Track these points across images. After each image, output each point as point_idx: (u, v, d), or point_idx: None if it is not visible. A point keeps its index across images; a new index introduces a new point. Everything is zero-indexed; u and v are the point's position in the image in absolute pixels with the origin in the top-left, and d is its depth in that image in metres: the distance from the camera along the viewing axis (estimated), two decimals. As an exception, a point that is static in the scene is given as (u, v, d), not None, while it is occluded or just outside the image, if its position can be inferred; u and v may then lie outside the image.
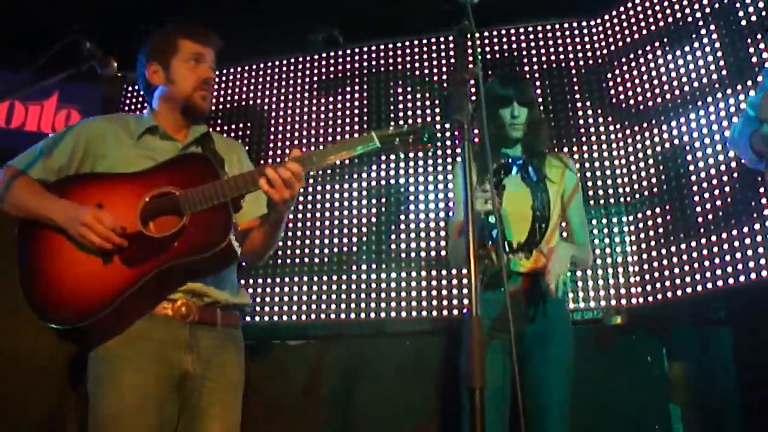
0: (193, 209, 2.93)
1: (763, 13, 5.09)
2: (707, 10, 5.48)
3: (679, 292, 5.16)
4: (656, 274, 5.32)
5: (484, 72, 6.02)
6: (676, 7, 5.69)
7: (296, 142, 6.53)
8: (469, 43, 2.63)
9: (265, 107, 6.74)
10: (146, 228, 2.96)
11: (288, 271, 6.12)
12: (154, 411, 2.89)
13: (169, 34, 3.36)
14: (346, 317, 5.86)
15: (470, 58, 2.53)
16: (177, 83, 3.30)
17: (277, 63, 6.95)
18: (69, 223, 2.95)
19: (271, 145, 6.61)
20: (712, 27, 5.42)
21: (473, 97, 2.48)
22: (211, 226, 2.92)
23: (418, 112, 6.34)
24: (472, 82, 2.45)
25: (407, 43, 6.64)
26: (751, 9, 5.19)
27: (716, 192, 5.13)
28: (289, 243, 6.18)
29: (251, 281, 6.13)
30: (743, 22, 5.23)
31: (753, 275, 4.79)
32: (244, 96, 6.91)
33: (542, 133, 4.03)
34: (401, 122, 6.06)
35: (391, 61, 6.63)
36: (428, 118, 6.27)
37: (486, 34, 6.40)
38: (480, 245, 3.57)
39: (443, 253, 5.77)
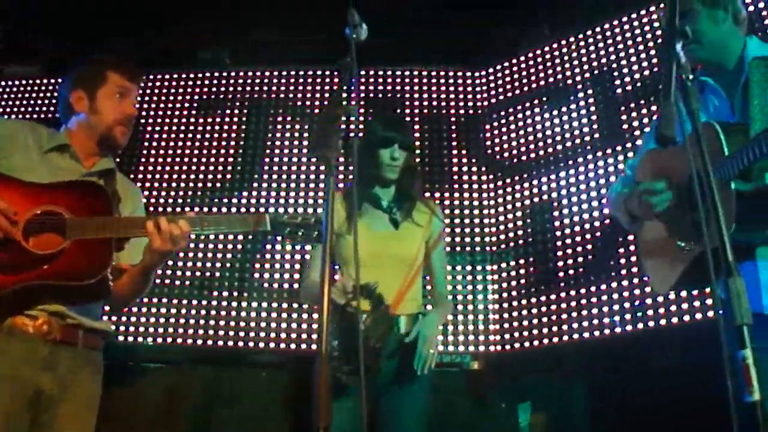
0: (78, 236, 2.86)
1: (638, 84, 5.34)
2: (587, 75, 5.74)
3: (536, 343, 5.30)
4: (515, 324, 5.45)
5: (365, 110, 6.10)
6: (558, 69, 5.93)
7: (169, 159, 6.38)
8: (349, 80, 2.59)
9: (141, 119, 6.55)
10: (26, 240, 2.84)
11: (148, 293, 5.91)
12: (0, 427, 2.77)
13: (99, 64, 3.32)
14: (204, 344, 5.71)
15: (346, 95, 2.49)
16: (100, 114, 3.24)
17: (159, 76, 6.80)
18: None
19: (143, 159, 6.42)
20: (590, 92, 5.69)
21: (349, 134, 2.45)
22: (90, 258, 2.86)
23: (296, 143, 6.31)
24: (345, 119, 2.40)
25: (293, 73, 6.63)
26: (627, 79, 5.45)
27: (578, 249, 5.33)
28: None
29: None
30: (618, 90, 5.49)
31: (607, 331, 5.02)
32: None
33: (416, 179, 4.06)
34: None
35: (275, 88, 6.59)
36: (304, 150, 6.24)
37: (373, 73, 6.48)
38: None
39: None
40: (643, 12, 5.55)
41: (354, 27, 2.64)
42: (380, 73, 6.48)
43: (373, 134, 3.89)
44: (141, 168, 6.39)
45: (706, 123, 2.60)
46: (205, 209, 6.13)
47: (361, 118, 6.22)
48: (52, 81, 6.87)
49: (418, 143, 6.05)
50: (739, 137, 2.50)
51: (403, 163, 3.89)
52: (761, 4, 5.01)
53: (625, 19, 5.69)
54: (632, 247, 5.01)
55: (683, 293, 4.61)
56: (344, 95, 2.44)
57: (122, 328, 5.82)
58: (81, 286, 2.84)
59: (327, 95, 6.49)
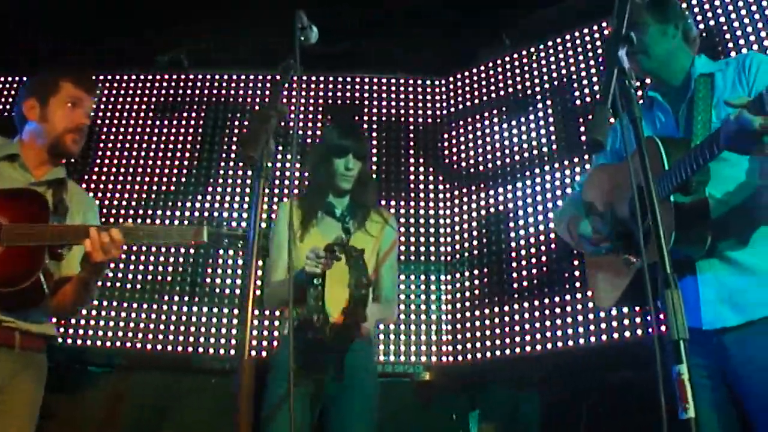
0: (11, 243, 2.92)
1: (597, 96, 5.32)
2: (546, 86, 5.73)
3: (488, 354, 5.26)
4: (468, 335, 5.41)
5: (322, 116, 6.05)
6: (518, 79, 5.92)
7: (124, 161, 6.27)
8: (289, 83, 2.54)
9: (98, 120, 6.43)
10: None
11: (97, 295, 5.80)
12: None
13: (54, 73, 3.35)
14: (152, 348, 5.60)
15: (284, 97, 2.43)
16: (50, 122, 3.27)
17: (117, 78, 6.68)
18: None
19: (98, 161, 6.30)
20: (549, 102, 5.67)
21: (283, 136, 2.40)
22: (21, 264, 2.93)
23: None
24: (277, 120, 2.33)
25: (251, 77, 6.55)
26: (586, 90, 5.45)
27: (533, 260, 5.31)
28: (102, 264, 5.86)
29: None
30: (577, 102, 5.48)
31: (560, 344, 5.00)
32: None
33: (370, 189, 4.02)
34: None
35: (232, 92, 6.51)
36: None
37: (332, 79, 6.41)
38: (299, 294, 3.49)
39: (258, 292, 5.63)
40: (604, 24, 5.54)
41: (302, 29, 2.59)
42: (339, 79, 6.42)
43: (327, 143, 3.86)
44: (96, 169, 6.28)
45: (647, 137, 2.59)
46: (159, 212, 6.03)
47: (319, 125, 6.20)
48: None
49: (375, 150, 6.03)
50: (680, 151, 2.51)
51: (358, 173, 3.85)
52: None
53: (585, 30, 5.69)
54: (586, 261, 5.00)
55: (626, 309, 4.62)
56: (280, 96, 2.38)
57: (71, 331, 5.70)
58: (13, 292, 2.90)
59: (285, 101, 6.41)
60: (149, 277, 5.85)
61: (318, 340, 3.43)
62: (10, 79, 6.70)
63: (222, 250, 5.80)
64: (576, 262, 5.05)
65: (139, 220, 5.98)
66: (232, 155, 6.24)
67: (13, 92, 6.63)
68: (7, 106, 6.54)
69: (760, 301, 2.54)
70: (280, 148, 5.99)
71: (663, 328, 1.87)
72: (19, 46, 6.29)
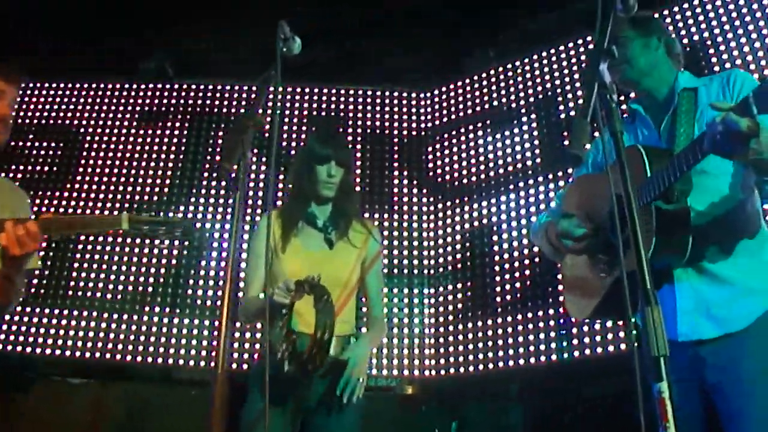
0: None
1: (575, 111, 5.33)
2: (531, 99, 5.73)
3: (471, 368, 5.24)
4: (451, 348, 5.39)
5: (308, 128, 6.03)
6: (502, 93, 5.93)
7: (107, 169, 6.23)
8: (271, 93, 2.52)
9: (81, 129, 6.41)
10: None
11: (77, 304, 5.74)
12: None
13: None
14: (132, 359, 5.56)
15: (261, 108, 2.41)
16: None
17: (102, 86, 6.66)
18: None
19: (81, 169, 6.27)
20: (533, 116, 5.67)
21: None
22: None
23: (236, 157, 6.19)
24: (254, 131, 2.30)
25: (236, 88, 6.53)
26: (570, 104, 5.45)
27: (516, 274, 5.31)
28: (83, 274, 5.83)
29: (28, 309, 5.72)
30: (561, 116, 5.48)
31: (543, 358, 4.99)
32: (62, 114, 6.54)
33: (353, 198, 3.99)
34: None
35: (217, 102, 6.48)
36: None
37: (317, 90, 6.41)
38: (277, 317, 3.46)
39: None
40: (589, 38, 5.55)
41: (285, 41, 2.57)
42: (325, 90, 6.41)
43: (310, 150, 3.81)
44: (78, 178, 6.24)
45: (631, 146, 2.63)
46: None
47: (303, 136, 6.18)
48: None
49: (359, 163, 6.03)
50: (663, 160, 2.50)
51: (340, 181, 3.82)
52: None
53: (571, 45, 5.70)
54: (569, 275, 5.01)
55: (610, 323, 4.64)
56: (259, 107, 2.35)
57: (50, 341, 5.64)
58: None
59: (270, 111, 6.39)
60: (130, 288, 5.81)
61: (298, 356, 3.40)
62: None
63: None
64: (560, 276, 5.03)
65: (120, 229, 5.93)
66: (216, 166, 6.21)
67: (69, 95, 6.67)
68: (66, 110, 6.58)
69: (738, 314, 2.55)
70: (264, 159, 5.97)
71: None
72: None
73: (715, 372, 2.54)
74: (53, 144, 6.42)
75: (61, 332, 5.66)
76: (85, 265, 5.87)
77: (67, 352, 5.62)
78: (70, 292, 5.79)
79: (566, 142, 5.36)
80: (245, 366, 5.48)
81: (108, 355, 5.58)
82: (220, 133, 6.33)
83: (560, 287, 5.02)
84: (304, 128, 6.26)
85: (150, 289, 5.81)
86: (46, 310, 5.73)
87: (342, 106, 6.38)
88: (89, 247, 5.90)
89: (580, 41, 5.67)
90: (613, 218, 1.81)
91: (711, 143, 2.23)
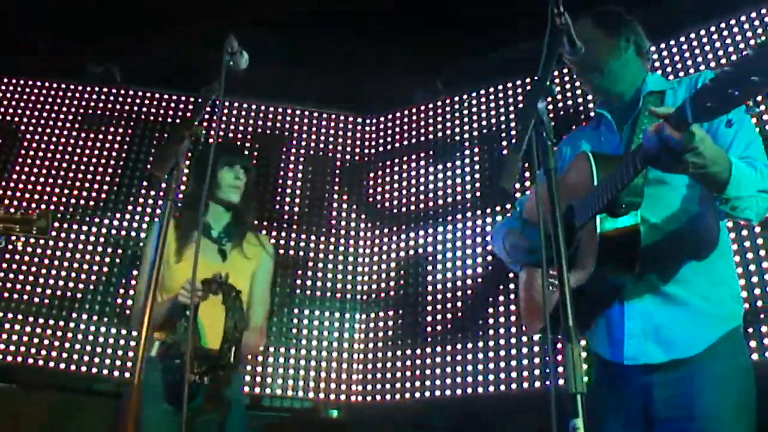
0: None
1: (525, 147, 5.37)
2: (475, 133, 5.77)
3: (398, 396, 5.24)
4: (379, 375, 5.39)
5: (250, 147, 6.00)
6: (448, 124, 5.98)
7: (44, 170, 6.11)
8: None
9: (22, 126, 6.28)
10: None
11: (2, 306, 5.62)
12: None
13: None
14: (55, 366, 5.42)
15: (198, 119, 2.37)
16: None
17: (46, 85, 6.55)
18: None
19: (17, 168, 6.13)
20: (476, 150, 5.71)
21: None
22: None
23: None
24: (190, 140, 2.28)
25: (182, 98, 6.48)
26: (514, 141, 5.47)
27: (449, 305, 5.33)
28: (11, 276, 5.69)
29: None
30: (504, 151, 5.54)
31: (469, 390, 5.01)
32: (2, 110, 6.41)
33: (252, 205, 3.99)
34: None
35: (162, 111, 6.41)
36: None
37: (264, 108, 6.40)
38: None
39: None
40: (536, 78, 5.60)
41: (232, 54, 2.56)
42: (271, 109, 6.40)
43: (215, 155, 3.76)
44: (14, 176, 6.11)
45: (579, 153, 2.51)
46: (75, 227, 5.87)
47: (245, 152, 6.14)
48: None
49: (299, 183, 6.03)
50: (612, 168, 2.30)
51: (244, 188, 3.81)
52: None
53: (519, 82, 5.78)
54: (501, 308, 5.04)
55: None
56: (197, 118, 2.33)
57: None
58: None
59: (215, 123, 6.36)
60: (59, 293, 5.68)
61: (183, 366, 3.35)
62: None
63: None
64: (491, 310, 5.09)
65: (53, 232, 5.82)
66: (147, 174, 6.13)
67: (13, 92, 6.53)
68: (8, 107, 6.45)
69: (689, 338, 2.38)
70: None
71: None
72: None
73: (663, 407, 2.36)
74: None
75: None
76: (14, 266, 5.74)
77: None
78: (-5, 294, 5.65)
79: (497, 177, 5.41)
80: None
81: (30, 360, 5.43)
82: (163, 142, 6.27)
83: (491, 321, 5.08)
84: (246, 144, 6.22)
85: (79, 295, 5.67)
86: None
87: (287, 125, 6.36)
88: (18, 247, 5.76)
89: (528, 79, 5.74)
90: (549, 236, 1.78)
91: (644, 156, 2.09)
